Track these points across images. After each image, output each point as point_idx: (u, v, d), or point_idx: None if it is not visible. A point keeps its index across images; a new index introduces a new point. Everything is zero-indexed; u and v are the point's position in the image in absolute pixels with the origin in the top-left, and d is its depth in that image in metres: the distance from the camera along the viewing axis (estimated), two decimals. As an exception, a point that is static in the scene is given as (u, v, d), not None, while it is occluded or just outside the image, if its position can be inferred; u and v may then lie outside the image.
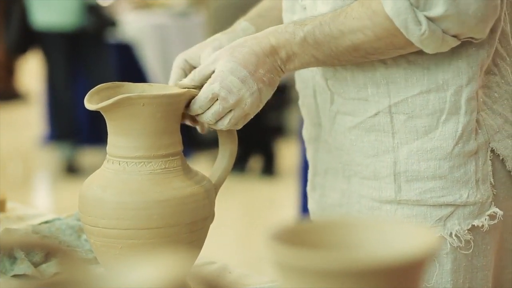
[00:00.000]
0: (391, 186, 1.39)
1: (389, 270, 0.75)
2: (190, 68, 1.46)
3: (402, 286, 0.77)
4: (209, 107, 1.33)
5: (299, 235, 0.84)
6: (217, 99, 1.32)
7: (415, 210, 1.38)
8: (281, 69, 1.34)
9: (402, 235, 0.83)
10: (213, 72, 1.33)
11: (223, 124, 1.34)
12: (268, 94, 1.34)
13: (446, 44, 1.29)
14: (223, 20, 5.34)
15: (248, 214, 5.29)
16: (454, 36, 1.28)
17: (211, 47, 1.45)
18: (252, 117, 1.35)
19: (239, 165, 5.57)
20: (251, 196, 5.48)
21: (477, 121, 1.37)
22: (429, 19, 1.26)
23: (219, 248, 3.78)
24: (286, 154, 5.97)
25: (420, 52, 1.33)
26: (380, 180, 1.40)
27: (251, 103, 1.32)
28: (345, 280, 0.75)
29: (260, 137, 5.77)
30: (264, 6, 1.57)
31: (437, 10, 1.25)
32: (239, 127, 1.36)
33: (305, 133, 1.56)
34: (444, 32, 1.27)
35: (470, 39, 1.30)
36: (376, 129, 1.39)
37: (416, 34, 1.26)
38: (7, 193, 1.76)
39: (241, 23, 1.52)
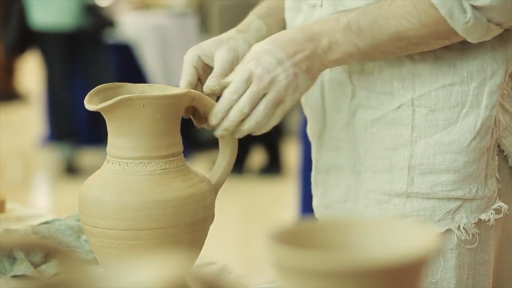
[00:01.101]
0: (404, 179, 1.40)
1: (389, 270, 0.75)
2: (202, 65, 1.42)
3: (402, 286, 0.77)
4: (243, 93, 1.30)
5: (299, 235, 0.84)
6: (251, 83, 1.29)
7: (424, 203, 1.39)
8: (322, 60, 1.32)
9: (402, 235, 0.83)
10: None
11: (259, 111, 1.30)
12: (305, 82, 1.32)
13: (490, 32, 1.30)
14: (229, 20, 5.35)
15: (247, 215, 5.29)
16: (498, 24, 1.29)
17: (226, 48, 1.42)
18: (289, 107, 1.32)
19: (237, 166, 5.57)
20: (251, 196, 5.48)
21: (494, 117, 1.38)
22: (474, 7, 1.26)
23: (219, 249, 3.78)
24: (286, 154, 5.97)
25: (448, 47, 1.34)
26: (394, 172, 1.40)
27: (286, 85, 1.29)
28: (345, 280, 0.75)
29: (263, 137, 5.77)
30: (271, 5, 1.55)
31: (483, 0, 1.26)
32: (277, 119, 1.32)
33: (309, 131, 1.55)
34: (488, 20, 1.27)
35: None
36: (397, 122, 1.40)
37: (461, 22, 1.27)
38: (7, 194, 1.76)
39: (255, 21, 1.50)
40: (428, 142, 1.38)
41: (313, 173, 1.55)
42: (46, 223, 1.56)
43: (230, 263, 1.49)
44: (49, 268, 1.40)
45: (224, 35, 1.46)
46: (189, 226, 1.29)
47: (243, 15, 1.57)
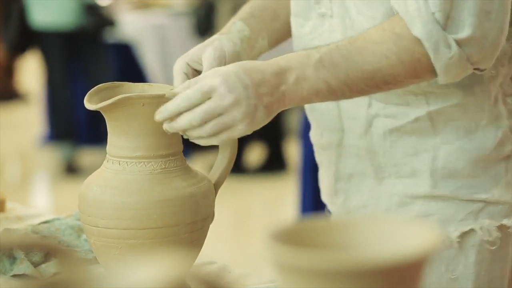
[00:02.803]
0: (427, 182, 1.41)
1: (389, 270, 0.75)
2: (192, 71, 1.40)
3: (402, 286, 0.77)
4: (197, 106, 1.22)
5: (299, 235, 0.84)
6: (210, 98, 1.22)
7: (449, 203, 1.41)
8: (284, 98, 1.25)
9: (402, 235, 0.83)
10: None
11: (206, 129, 1.23)
12: (261, 117, 1.24)
13: (463, 72, 1.29)
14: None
15: (247, 214, 5.29)
16: (472, 64, 1.28)
17: (211, 47, 1.40)
18: (235, 137, 1.26)
19: (235, 164, 5.56)
20: (250, 196, 5.48)
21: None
22: (456, 42, 1.26)
23: (218, 248, 3.78)
24: (286, 153, 5.97)
25: None
26: (417, 177, 1.42)
27: (245, 113, 1.22)
28: (345, 280, 0.75)
29: (262, 135, 5.77)
30: (256, 5, 1.53)
31: (464, 32, 1.25)
32: (218, 141, 1.25)
33: (319, 138, 1.53)
34: (467, 58, 1.27)
35: (475, 71, 1.31)
36: (417, 132, 1.41)
37: (445, 57, 1.26)
38: (7, 193, 1.76)
39: (236, 23, 1.48)
40: (450, 148, 1.40)
41: (329, 180, 1.53)
42: (46, 222, 1.56)
43: (230, 263, 1.49)
44: (49, 268, 1.40)
45: (208, 40, 1.45)
46: (189, 225, 1.29)
47: None
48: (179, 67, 1.41)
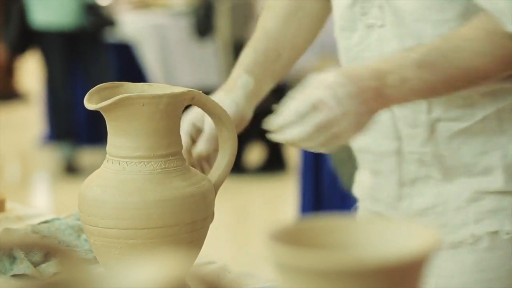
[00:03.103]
0: (501, 178, 1.42)
1: (389, 270, 0.76)
2: (196, 131, 1.45)
3: (402, 286, 0.77)
4: (304, 119, 1.24)
5: (299, 235, 0.84)
6: (316, 109, 1.24)
7: None
8: (385, 100, 1.28)
9: (402, 235, 0.83)
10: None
11: (317, 141, 1.25)
12: (367, 122, 1.27)
13: None
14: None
15: (247, 214, 5.29)
16: None
17: None
18: (343, 143, 1.27)
19: (235, 164, 5.56)
20: (250, 196, 5.48)
21: None
22: None
23: (218, 248, 3.78)
24: (285, 153, 5.97)
25: None
26: (489, 174, 1.43)
27: (353, 123, 1.25)
28: (345, 280, 0.75)
29: (261, 135, 5.75)
30: (258, 48, 1.53)
31: None
32: (325, 150, 1.28)
33: (376, 147, 1.51)
34: None
35: None
36: (484, 132, 1.42)
37: None
38: (7, 193, 1.76)
39: (242, 77, 1.49)
40: None
41: (393, 187, 1.52)
42: (46, 222, 1.56)
43: (230, 263, 1.49)
44: (49, 267, 1.40)
45: (213, 98, 1.46)
46: (189, 225, 1.29)
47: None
48: (185, 127, 1.45)
